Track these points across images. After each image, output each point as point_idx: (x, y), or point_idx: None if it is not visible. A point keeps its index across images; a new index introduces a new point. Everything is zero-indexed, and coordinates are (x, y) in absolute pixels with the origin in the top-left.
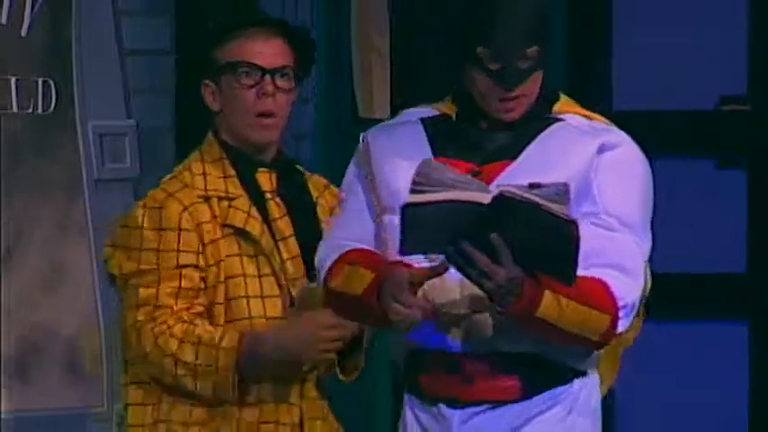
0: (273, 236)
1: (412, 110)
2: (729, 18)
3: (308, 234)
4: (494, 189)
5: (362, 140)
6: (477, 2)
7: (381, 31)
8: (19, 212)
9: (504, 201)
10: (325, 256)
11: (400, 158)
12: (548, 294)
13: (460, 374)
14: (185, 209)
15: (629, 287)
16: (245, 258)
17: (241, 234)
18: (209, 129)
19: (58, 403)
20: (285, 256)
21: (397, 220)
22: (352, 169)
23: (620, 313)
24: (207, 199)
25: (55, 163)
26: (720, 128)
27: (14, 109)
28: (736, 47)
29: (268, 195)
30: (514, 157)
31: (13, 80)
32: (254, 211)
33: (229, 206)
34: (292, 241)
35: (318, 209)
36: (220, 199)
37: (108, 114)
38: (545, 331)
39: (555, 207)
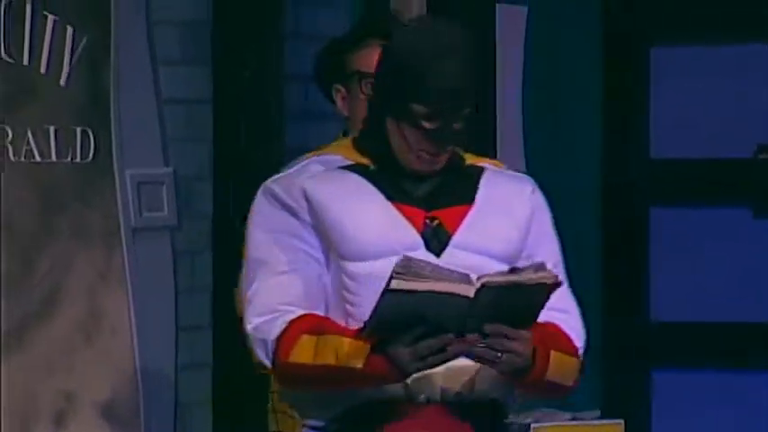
0: None
1: (314, 158)
2: (765, 67)
3: None
4: (474, 279)
5: (285, 192)
6: (417, 58)
7: None
8: (59, 260)
9: (487, 291)
10: (261, 324)
11: (355, 205)
12: (552, 356)
13: (430, 424)
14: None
15: (578, 328)
16: None
17: None
18: (246, 178)
19: None
20: None
21: (356, 266)
22: (273, 226)
23: (579, 354)
24: None
25: (93, 211)
26: (757, 176)
27: (53, 158)
28: None
29: None
30: (470, 202)
31: (52, 129)
32: None
33: None
34: None
35: None
36: None
37: (146, 163)
38: (545, 390)
39: (535, 275)
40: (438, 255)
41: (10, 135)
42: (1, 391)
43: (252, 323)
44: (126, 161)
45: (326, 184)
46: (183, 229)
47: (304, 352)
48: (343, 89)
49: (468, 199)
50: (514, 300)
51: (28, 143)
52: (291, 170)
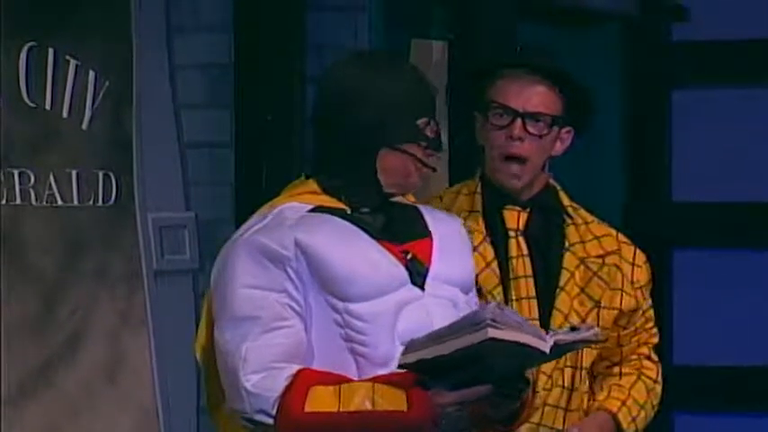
0: (507, 274)
1: (284, 206)
2: None
3: (544, 278)
4: (548, 338)
5: (276, 243)
6: (403, 80)
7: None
8: (81, 303)
9: (557, 347)
10: (260, 381)
11: (350, 248)
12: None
13: None
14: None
15: None
16: None
17: None
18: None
19: None
20: (514, 295)
21: (362, 306)
22: (259, 282)
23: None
24: None
25: (115, 255)
26: None
27: (76, 202)
28: None
29: (511, 233)
30: (428, 236)
31: (74, 173)
32: (482, 247)
33: None
34: (527, 282)
35: (567, 255)
36: None
37: (167, 206)
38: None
39: (589, 333)
40: (422, 287)
41: (32, 179)
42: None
43: (250, 380)
44: (148, 205)
45: (315, 230)
46: (204, 273)
47: (323, 402)
48: (481, 118)
49: (425, 232)
50: (567, 351)
51: (50, 187)
52: (267, 221)
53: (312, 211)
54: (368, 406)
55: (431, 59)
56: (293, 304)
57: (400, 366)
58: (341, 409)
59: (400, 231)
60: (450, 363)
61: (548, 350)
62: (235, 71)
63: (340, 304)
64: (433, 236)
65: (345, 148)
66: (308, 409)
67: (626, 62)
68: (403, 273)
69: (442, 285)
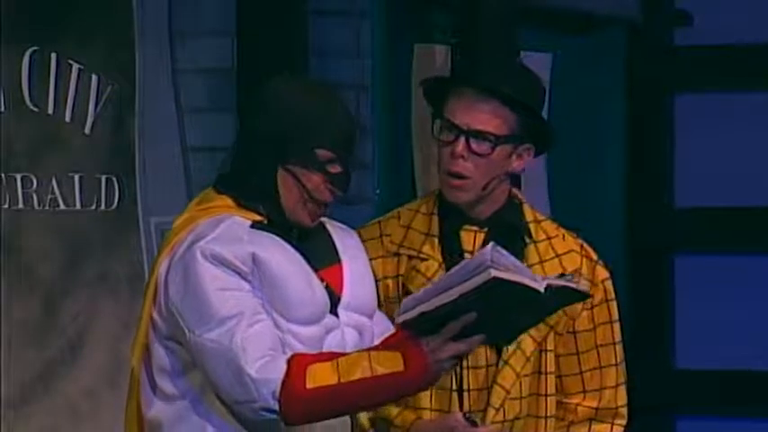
0: None
1: (230, 219)
2: None
3: None
4: (539, 279)
5: (234, 257)
6: (316, 106)
7: None
8: (83, 308)
9: (551, 289)
10: (262, 366)
11: (298, 272)
12: None
13: None
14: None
15: None
16: None
17: None
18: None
19: None
20: None
21: (306, 330)
22: (231, 284)
23: None
24: (397, 254)
25: (118, 259)
26: None
27: (78, 206)
28: None
29: (467, 256)
30: (338, 261)
31: (76, 177)
32: (439, 275)
33: (414, 268)
34: None
35: None
36: (410, 258)
37: (170, 210)
38: None
39: (580, 282)
40: (337, 316)
41: (35, 183)
42: None
43: (253, 367)
44: (150, 209)
45: (270, 249)
46: None
47: (323, 377)
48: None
49: (336, 257)
50: (556, 301)
51: (53, 191)
52: (218, 232)
53: (253, 226)
54: (367, 373)
55: (433, 64)
56: (264, 303)
57: (401, 325)
58: (342, 380)
59: (316, 257)
60: (448, 315)
61: (542, 289)
62: (237, 75)
63: (284, 325)
64: (343, 263)
65: (249, 157)
66: (309, 385)
67: (629, 67)
68: (327, 299)
69: (351, 314)
